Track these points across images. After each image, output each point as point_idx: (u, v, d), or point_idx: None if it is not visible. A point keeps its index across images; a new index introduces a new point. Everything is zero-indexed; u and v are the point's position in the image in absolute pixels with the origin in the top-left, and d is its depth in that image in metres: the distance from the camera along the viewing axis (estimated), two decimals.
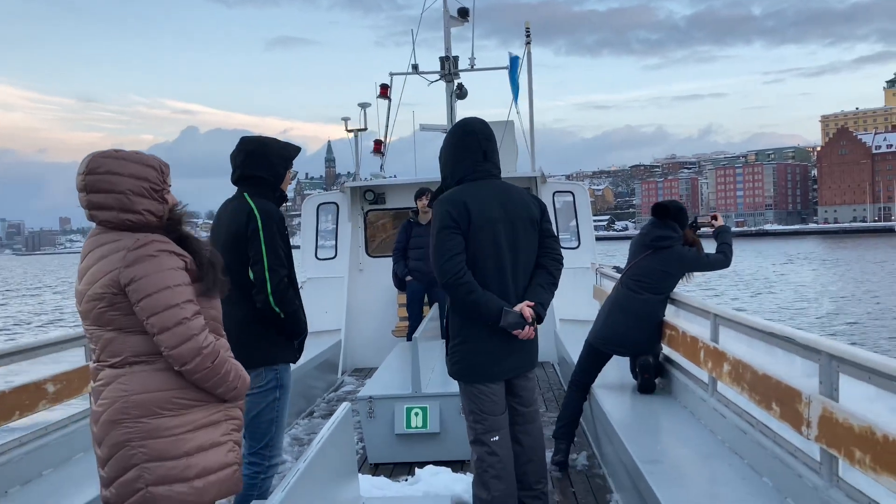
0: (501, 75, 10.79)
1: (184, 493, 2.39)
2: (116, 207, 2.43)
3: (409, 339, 8.24)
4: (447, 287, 3.49)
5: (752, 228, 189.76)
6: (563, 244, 10.20)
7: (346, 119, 10.01)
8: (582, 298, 9.04)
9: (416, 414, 5.51)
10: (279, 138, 3.94)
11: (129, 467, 2.37)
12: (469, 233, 3.48)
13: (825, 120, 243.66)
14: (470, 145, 3.63)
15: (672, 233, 5.34)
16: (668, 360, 5.64)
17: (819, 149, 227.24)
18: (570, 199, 10.55)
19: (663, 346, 5.59)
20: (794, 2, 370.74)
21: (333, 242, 10.11)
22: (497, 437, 3.58)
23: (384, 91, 10.70)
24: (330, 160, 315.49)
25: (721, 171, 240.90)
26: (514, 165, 10.48)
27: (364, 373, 9.18)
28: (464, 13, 10.75)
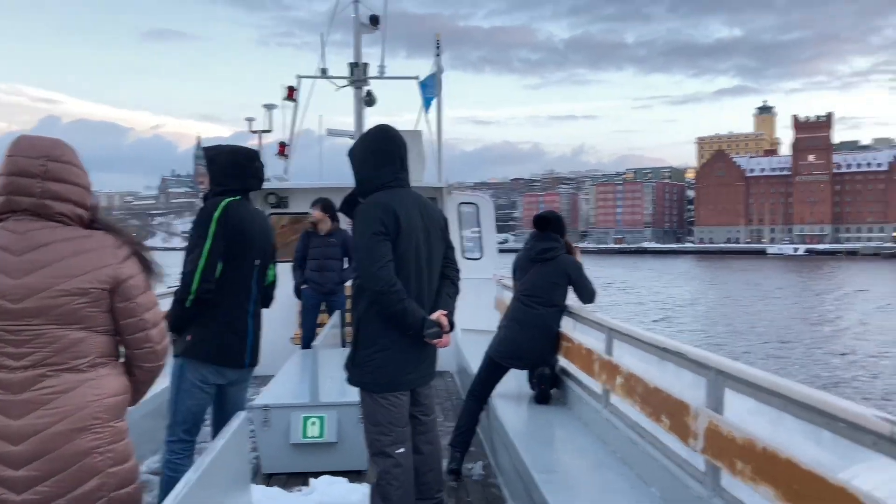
0: (408, 84, 10.88)
1: (133, 494, 2.35)
2: (74, 200, 2.30)
3: (304, 347, 8.09)
4: (379, 294, 3.42)
5: (632, 246, 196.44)
6: (466, 255, 10.45)
7: (250, 119, 9.82)
8: (483, 309, 9.14)
9: (313, 423, 5.42)
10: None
11: (91, 476, 2.22)
12: (397, 239, 3.47)
13: (701, 142, 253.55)
14: (391, 152, 3.63)
15: (555, 243, 5.56)
16: (564, 371, 5.77)
17: (696, 170, 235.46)
18: (475, 210, 10.69)
19: (560, 357, 5.73)
20: (664, 33, 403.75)
21: None
22: (402, 449, 3.56)
23: (291, 93, 10.55)
24: (199, 157, 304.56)
25: (602, 188, 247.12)
26: (421, 175, 10.52)
27: (260, 381, 8.93)
28: (375, 20, 10.74)
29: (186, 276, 3.71)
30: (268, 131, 10.00)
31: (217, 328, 3.79)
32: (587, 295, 5.56)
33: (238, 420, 3.15)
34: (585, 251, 6.34)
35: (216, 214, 3.74)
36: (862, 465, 2.35)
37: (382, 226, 3.43)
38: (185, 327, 3.79)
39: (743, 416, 3.05)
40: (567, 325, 5.66)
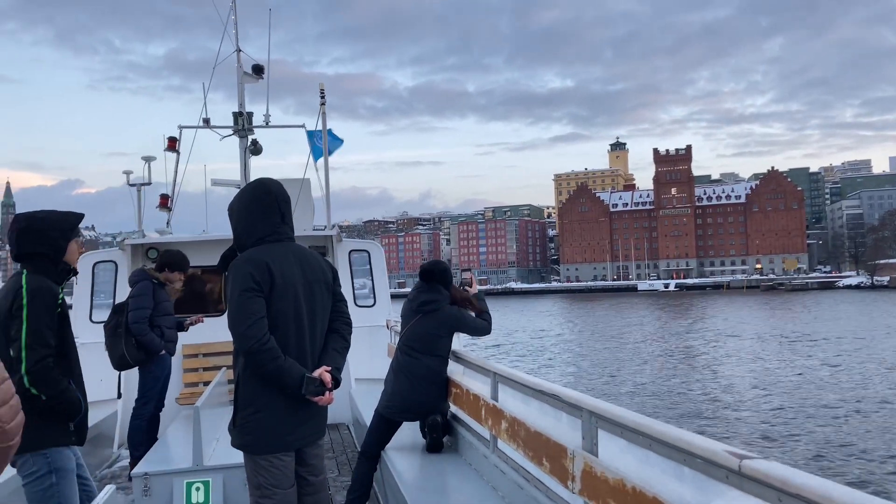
0: (295, 131, 10.91)
1: None
2: None
3: None
4: (250, 353, 3.33)
5: (499, 286, 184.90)
6: (359, 302, 10.38)
7: (128, 173, 9.46)
8: (377, 357, 9.08)
9: (198, 489, 5.18)
10: (56, 209, 3.92)
11: None
12: (272, 295, 3.39)
13: (558, 179, 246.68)
14: (269, 206, 3.58)
15: (437, 295, 5.52)
16: (455, 417, 5.78)
17: (557, 207, 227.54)
18: (366, 257, 10.68)
19: (450, 403, 5.74)
20: (503, 83, 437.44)
21: (111, 303, 9.36)
22: None
23: (172, 144, 10.29)
24: (8, 205, 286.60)
25: (464, 227, 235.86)
26: (310, 223, 10.43)
27: None
28: (258, 70, 10.69)
29: None
30: (147, 184, 9.66)
31: None
32: (478, 332, 5.64)
33: (106, 495, 2.98)
34: None
35: None
36: (718, 500, 2.46)
37: (254, 281, 3.36)
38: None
39: (616, 454, 3.13)
40: (457, 371, 5.69)
